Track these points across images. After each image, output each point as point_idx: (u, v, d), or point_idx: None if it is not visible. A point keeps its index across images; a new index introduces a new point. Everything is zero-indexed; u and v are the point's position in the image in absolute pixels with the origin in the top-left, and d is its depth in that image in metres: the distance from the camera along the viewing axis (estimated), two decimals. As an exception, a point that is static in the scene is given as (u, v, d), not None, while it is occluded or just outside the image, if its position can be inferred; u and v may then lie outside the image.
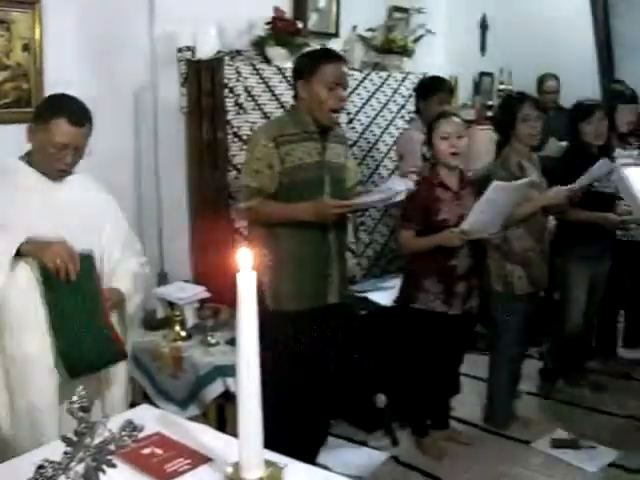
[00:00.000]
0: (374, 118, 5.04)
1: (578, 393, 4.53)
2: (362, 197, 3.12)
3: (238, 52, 4.27)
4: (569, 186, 3.88)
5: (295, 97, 3.20)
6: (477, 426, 4.13)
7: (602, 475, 3.64)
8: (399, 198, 3.12)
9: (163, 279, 4.09)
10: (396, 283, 3.84)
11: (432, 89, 4.53)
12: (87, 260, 2.49)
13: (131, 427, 1.43)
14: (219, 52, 4.08)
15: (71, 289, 2.41)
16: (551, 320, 4.72)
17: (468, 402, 4.27)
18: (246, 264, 1.46)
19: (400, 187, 3.11)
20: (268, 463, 1.54)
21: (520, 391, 4.37)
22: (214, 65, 3.97)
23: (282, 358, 2.93)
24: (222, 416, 3.48)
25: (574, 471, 3.67)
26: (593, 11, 6.70)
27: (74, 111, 2.50)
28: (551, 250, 4.18)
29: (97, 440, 1.37)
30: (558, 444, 3.87)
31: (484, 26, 6.93)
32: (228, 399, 3.36)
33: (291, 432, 2.97)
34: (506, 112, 3.98)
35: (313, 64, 3.09)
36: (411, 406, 3.89)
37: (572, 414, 4.29)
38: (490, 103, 6.58)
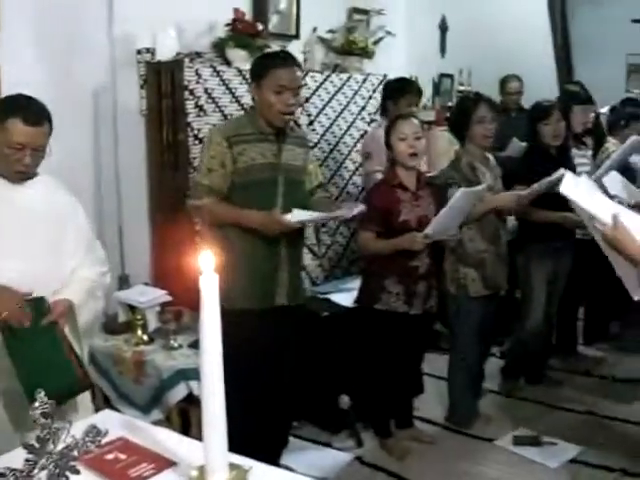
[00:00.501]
0: (335, 120, 5.05)
1: (539, 391, 4.56)
2: (306, 216, 3.09)
3: (198, 54, 4.25)
4: (521, 192, 3.91)
5: (253, 99, 3.21)
6: (440, 425, 4.15)
7: (563, 471, 3.68)
8: (344, 217, 3.16)
9: (124, 282, 4.05)
10: (358, 284, 3.85)
11: (401, 91, 4.55)
12: (39, 302, 2.48)
13: (94, 432, 1.41)
14: (179, 54, 4.06)
15: (27, 331, 2.40)
16: (513, 319, 4.77)
17: (431, 401, 4.30)
18: (208, 266, 1.45)
19: (350, 213, 3.14)
20: (233, 466, 1.53)
21: (483, 389, 4.41)
22: (174, 67, 3.95)
23: (235, 358, 2.92)
24: (186, 420, 3.46)
25: (536, 467, 3.71)
26: (551, 13, 6.79)
27: (31, 111, 2.47)
28: (512, 249, 4.23)
29: (60, 446, 1.35)
30: (520, 441, 3.91)
31: (444, 28, 6.99)
32: (191, 403, 3.34)
33: (251, 433, 2.96)
34: (461, 113, 4.00)
35: (264, 68, 3.10)
36: (374, 407, 3.91)
37: (534, 411, 4.33)
38: (450, 104, 6.63)
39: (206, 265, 1.45)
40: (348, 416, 3.93)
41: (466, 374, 4.10)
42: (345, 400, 3.88)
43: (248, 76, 4.08)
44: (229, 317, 2.84)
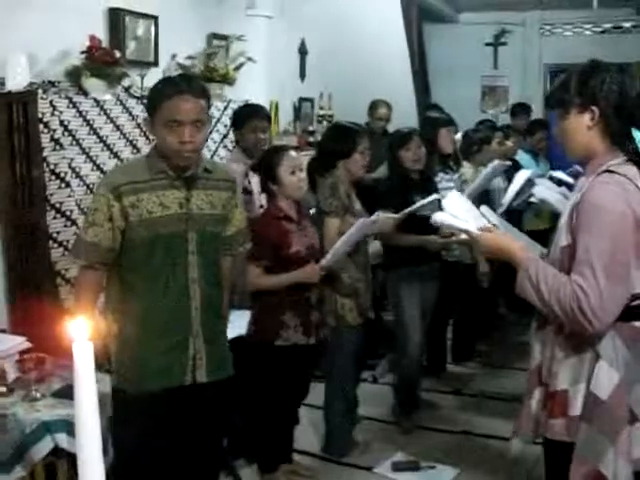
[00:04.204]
0: (197, 148, 4.91)
1: (414, 413, 4.57)
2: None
3: (52, 83, 4.02)
4: (396, 215, 3.95)
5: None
6: (317, 456, 4.11)
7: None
8: None
9: (-22, 330, 3.77)
10: (240, 315, 3.71)
11: (246, 117, 4.42)
12: None
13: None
14: (31, 84, 3.83)
15: None
16: (382, 342, 4.80)
17: (306, 432, 4.23)
18: (82, 332, 1.32)
19: None
20: None
21: (359, 416, 4.37)
22: (26, 98, 3.72)
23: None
24: (52, 475, 3.24)
25: (416, 493, 3.73)
26: (408, 36, 6.92)
27: None
28: (378, 274, 4.27)
29: None
30: (399, 467, 3.94)
31: (303, 51, 6.98)
32: (59, 457, 3.12)
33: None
34: (345, 143, 3.98)
35: (153, 100, 2.70)
36: (260, 442, 3.80)
37: (410, 435, 4.36)
38: (311, 129, 6.65)
39: (79, 331, 1.31)
40: (224, 453, 3.80)
41: (343, 402, 4.07)
42: (221, 438, 3.75)
43: (107, 107, 3.99)
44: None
